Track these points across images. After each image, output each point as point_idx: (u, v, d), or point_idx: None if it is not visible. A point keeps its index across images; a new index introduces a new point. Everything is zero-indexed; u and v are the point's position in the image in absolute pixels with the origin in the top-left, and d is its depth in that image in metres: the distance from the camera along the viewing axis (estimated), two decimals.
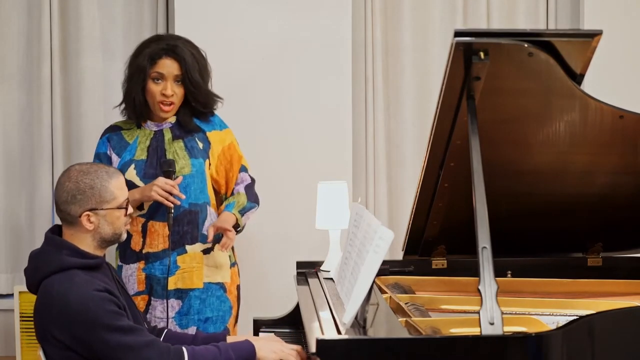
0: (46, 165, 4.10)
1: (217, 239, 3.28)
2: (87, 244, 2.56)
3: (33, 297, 3.91)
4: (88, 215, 2.53)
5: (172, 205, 3.13)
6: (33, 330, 3.88)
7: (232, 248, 3.37)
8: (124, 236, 2.63)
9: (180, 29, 3.88)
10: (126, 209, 2.59)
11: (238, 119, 3.74)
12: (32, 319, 3.90)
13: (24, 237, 4.15)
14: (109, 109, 4.15)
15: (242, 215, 3.27)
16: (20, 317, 3.95)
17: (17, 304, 3.95)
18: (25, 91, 4.14)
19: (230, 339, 2.72)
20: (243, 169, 3.37)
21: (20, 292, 3.95)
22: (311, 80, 4.03)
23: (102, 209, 2.54)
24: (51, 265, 2.50)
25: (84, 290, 2.43)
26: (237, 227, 3.28)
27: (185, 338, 2.77)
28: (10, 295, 4.07)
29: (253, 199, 3.34)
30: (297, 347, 2.60)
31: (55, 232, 2.62)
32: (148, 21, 4.17)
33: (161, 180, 3.12)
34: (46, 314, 2.47)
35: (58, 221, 4.08)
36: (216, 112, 3.38)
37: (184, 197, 3.15)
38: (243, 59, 3.98)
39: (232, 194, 3.34)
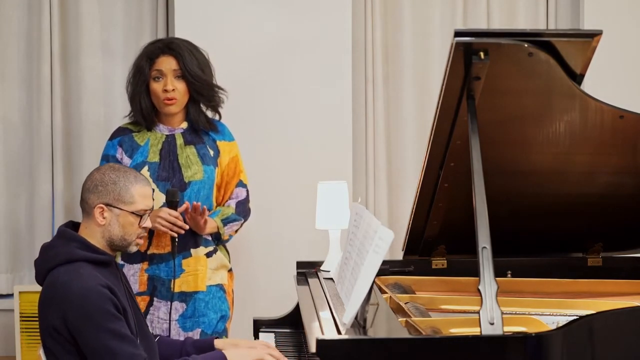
0: (46, 165, 4.10)
1: (217, 237, 3.30)
2: (97, 240, 2.57)
3: (33, 297, 3.97)
4: (102, 209, 2.54)
5: (175, 236, 3.14)
6: (33, 330, 3.88)
7: (228, 255, 3.40)
8: (133, 248, 2.63)
9: (180, 30, 3.89)
10: (141, 217, 2.59)
11: (238, 119, 3.74)
12: (32, 319, 3.94)
13: (24, 237, 4.15)
14: (109, 109, 4.16)
15: (225, 224, 3.29)
16: (20, 317, 3.95)
17: (17, 304, 3.95)
18: (25, 91, 4.14)
19: (219, 343, 2.74)
20: (240, 183, 3.38)
21: (20, 292, 3.95)
22: (311, 81, 4.03)
23: (116, 208, 2.55)
24: (59, 256, 2.51)
25: (87, 282, 2.44)
26: (220, 237, 3.30)
27: (175, 344, 2.79)
28: (10, 295, 4.07)
29: (242, 214, 3.36)
30: (277, 353, 2.60)
31: (69, 227, 2.63)
32: (148, 21, 4.17)
33: (165, 212, 3.13)
34: (48, 304, 2.47)
35: (58, 221, 4.13)
36: (220, 115, 3.39)
37: (187, 227, 3.16)
38: (243, 59, 3.98)
39: (223, 206, 3.36)
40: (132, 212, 2.57)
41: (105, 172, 2.58)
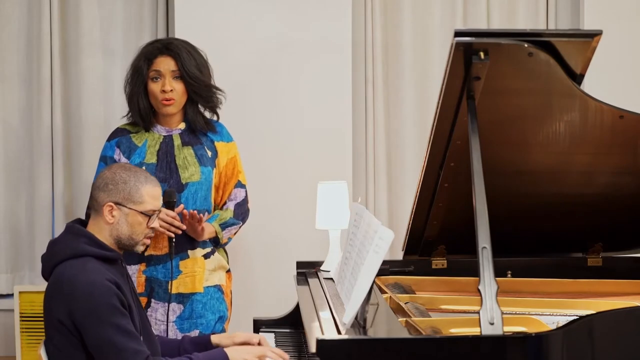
0: (46, 165, 4.10)
1: (215, 240, 3.30)
2: (104, 238, 2.58)
3: (33, 297, 3.97)
4: (111, 207, 2.56)
5: (173, 236, 3.14)
6: (33, 330, 3.87)
7: (227, 255, 3.40)
8: (140, 248, 2.64)
9: (180, 30, 3.89)
10: (150, 217, 2.59)
11: (238, 119, 3.74)
12: (32, 319, 3.94)
13: (24, 237, 4.15)
14: (109, 109, 4.16)
15: (223, 229, 3.29)
16: (20, 317, 3.95)
17: (17, 304, 3.95)
18: (25, 91, 4.14)
19: (215, 338, 2.75)
20: (239, 184, 3.38)
21: (20, 292, 3.95)
22: (311, 81, 4.03)
23: (126, 207, 2.56)
24: (66, 251, 2.52)
25: (93, 276, 2.45)
26: (218, 241, 3.30)
27: (173, 343, 2.79)
28: (10, 295, 4.07)
29: (240, 217, 3.35)
30: (278, 349, 2.61)
31: (77, 223, 2.63)
32: (148, 21, 4.17)
33: (162, 212, 3.12)
34: (54, 297, 2.48)
35: (58, 221, 4.13)
36: (220, 116, 3.39)
37: (184, 227, 3.16)
38: (243, 59, 3.98)
39: (222, 208, 3.36)
40: (141, 212, 2.58)
41: (116, 171, 2.59)
